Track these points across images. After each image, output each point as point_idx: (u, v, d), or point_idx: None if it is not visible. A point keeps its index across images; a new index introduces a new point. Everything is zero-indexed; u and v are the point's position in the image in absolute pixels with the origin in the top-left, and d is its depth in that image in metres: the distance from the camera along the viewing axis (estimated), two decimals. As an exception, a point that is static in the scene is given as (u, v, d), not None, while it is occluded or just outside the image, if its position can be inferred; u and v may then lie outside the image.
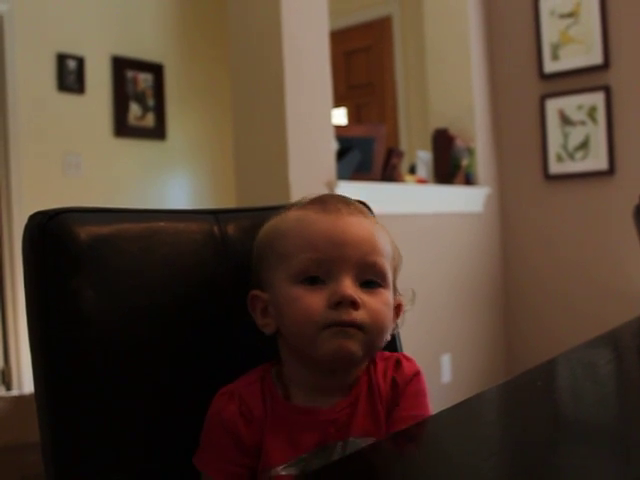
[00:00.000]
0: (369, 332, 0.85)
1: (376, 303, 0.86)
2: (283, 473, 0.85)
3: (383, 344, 0.89)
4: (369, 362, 0.92)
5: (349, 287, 0.84)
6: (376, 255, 0.87)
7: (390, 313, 0.88)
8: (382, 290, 0.88)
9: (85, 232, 0.86)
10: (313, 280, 0.85)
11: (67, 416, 0.83)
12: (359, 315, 0.84)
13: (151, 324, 0.88)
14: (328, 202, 0.89)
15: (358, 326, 0.83)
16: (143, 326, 0.87)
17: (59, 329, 0.84)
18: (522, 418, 0.83)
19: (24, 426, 2.78)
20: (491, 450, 0.73)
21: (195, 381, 0.91)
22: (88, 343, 0.84)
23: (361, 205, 0.94)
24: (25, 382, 3.93)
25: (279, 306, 0.87)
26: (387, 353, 0.95)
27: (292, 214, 0.90)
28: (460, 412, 0.84)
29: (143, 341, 0.87)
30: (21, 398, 3.09)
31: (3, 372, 3.97)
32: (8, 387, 3.93)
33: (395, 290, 0.93)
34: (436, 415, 0.85)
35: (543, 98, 3.78)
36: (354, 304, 0.83)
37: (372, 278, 0.87)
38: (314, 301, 0.84)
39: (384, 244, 0.90)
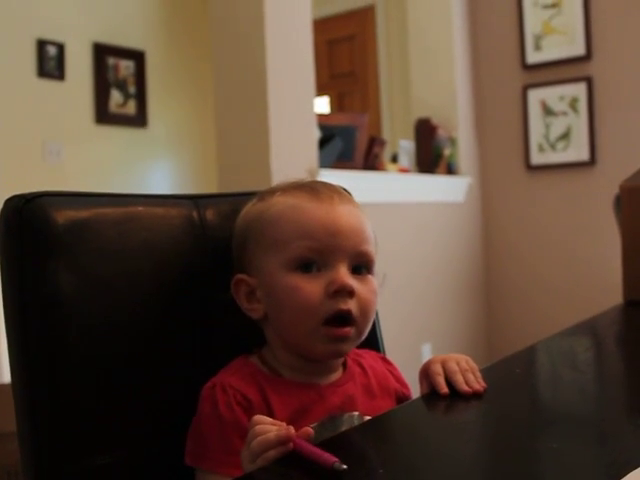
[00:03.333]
0: (359, 324, 0.87)
1: (366, 291, 0.88)
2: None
3: (367, 333, 0.91)
4: None
5: (346, 275, 0.86)
6: (367, 244, 0.89)
7: (376, 300, 0.90)
8: (370, 277, 0.90)
9: (62, 216, 0.84)
10: (308, 267, 0.86)
11: (44, 402, 0.82)
12: (353, 304, 0.86)
13: (130, 308, 0.87)
14: (320, 190, 0.90)
15: (351, 318, 0.86)
16: (122, 310, 0.87)
17: (36, 313, 0.82)
18: (501, 404, 0.84)
19: (2, 415, 2.76)
20: (470, 435, 0.73)
21: (175, 363, 0.91)
22: (66, 327, 0.83)
23: (347, 192, 0.96)
24: (4, 371, 3.91)
25: (273, 294, 0.88)
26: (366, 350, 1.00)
27: (281, 200, 0.90)
28: (440, 398, 0.84)
29: (122, 325, 0.86)
30: (0, 387, 3.06)
31: (-19, 361, 3.94)
32: (-14, 376, 3.90)
33: None
34: (416, 400, 0.86)
35: (525, 88, 3.79)
36: (351, 293, 0.85)
37: (363, 265, 0.89)
38: (312, 290, 0.85)
39: (370, 232, 0.92)
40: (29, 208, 0.84)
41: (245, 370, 0.89)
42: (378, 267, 0.98)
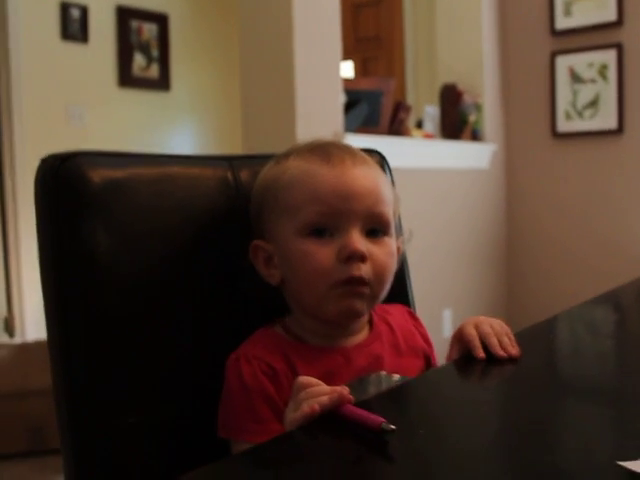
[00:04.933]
0: (374, 286, 0.86)
1: (381, 254, 0.87)
2: None
3: (386, 293, 0.91)
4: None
5: (358, 241, 0.85)
6: (381, 205, 0.88)
7: (394, 262, 0.90)
8: (386, 239, 0.89)
9: (98, 175, 0.84)
10: (320, 232, 0.85)
11: (81, 360, 0.83)
12: (366, 269, 0.85)
13: (164, 267, 0.88)
14: (332, 153, 0.88)
15: (365, 282, 0.85)
16: (157, 270, 0.87)
17: (72, 272, 0.83)
18: (523, 372, 0.83)
19: (27, 374, 2.81)
20: (492, 403, 0.73)
21: (210, 325, 0.91)
22: (102, 286, 0.83)
23: (362, 152, 0.94)
24: (28, 330, 3.96)
25: (287, 259, 0.88)
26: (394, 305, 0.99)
27: (294, 164, 0.89)
28: (474, 362, 0.84)
29: (157, 285, 0.87)
30: (24, 346, 3.11)
31: (6, 320, 3.99)
32: (11, 335, 3.96)
33: (397, 234, 0.94)
34: (449, 364, 0.86)
35: (554, 55, 3.73)
36: (363, 258, 0.84)
37: (377, 227, 0.88)
38: (324, 256, 0.84)
39: (388, 192, 0.91)
40: (65, 167, 0.84)
41: (268, 340, 0.89)
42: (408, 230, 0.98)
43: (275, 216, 0.89)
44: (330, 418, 0.64)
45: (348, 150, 0.91)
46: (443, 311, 3.49)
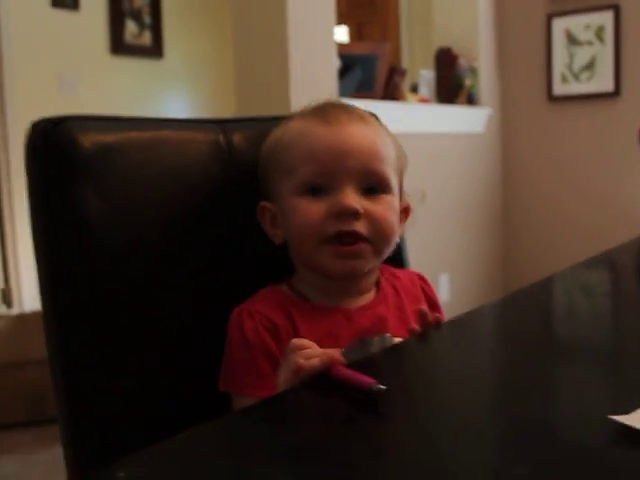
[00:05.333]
0: (375, 241, 0.86)
1: (380, 210, 0.86)
2: None
3: (392, 249, 0.91)
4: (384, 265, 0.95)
5: (350, 197, 0.84)
6: (378, 163, 0.87)
7: (395, 218, 0.89)
8: (386, 196, 0.88)
9: (89, 140, 0.84)
10: (317, 191, 0.86)
11: (74, 326, 0.83)
12: (361, 225, 0.85)
13: (157, 232, 0.87)
14: (329, 112, 0.89)
15: (359, 236, 0.84)
16: (149, 234, 0.87)
17: (64, 238, 0.83)
18: (518, 334, 0.84)
19: (26, 344, 2.82)
20: (487, 363, 0.73)
21: (204, 289, 0.91)
22: (94, 251, 0.83)
23: (362, 111, 0.93)
24: (25, 301, 3.96)
25: (286, 217, 0.88)
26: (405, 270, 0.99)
27: (294, 125, 0.90)
28: (457, 326, 0.84)
29: (150, 249, 0.87)
30: (22, 316, 3.11)
31: (3, 291, 3.99)
32: (9, 306, 3.96)
33: (402, 193, 0.93)
34: (436, 327, 0.86)
35: (550, 17, 3.69)
36: (356, 214, 0.84)
37: (375, 185, 0.87)
38: (314, 211, 0.85)
39: (387, 150, 0.90)
40: (56, 132, 0.83)
41: (272, 297, 0.89)
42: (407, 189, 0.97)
43: (277, 176, 0.89)
44: (322, 379, 0.65)
45: (345, 109, 0.91)
46: (440, 275, 3.50)
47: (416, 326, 0.82)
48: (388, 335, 0.88)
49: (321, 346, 0.80)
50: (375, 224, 0.86)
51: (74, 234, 0.83)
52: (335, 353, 0.66)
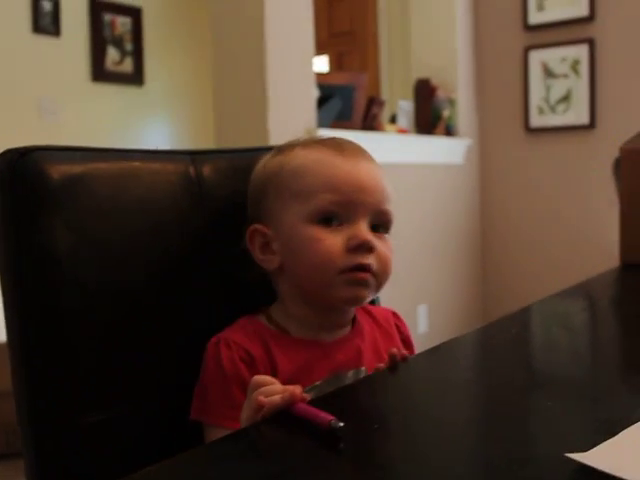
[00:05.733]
0: (379, 277, 0.88)
1: (385, 249, 0.88)
2: None
3: (381, 289, 0.92)
4: None
5: (367, 232, 0.86)
6: (388, 204, 0.90)
7: (393, 259, 0.91)
8: (387, 237, 0.91)
9: (57, 171, 0.83)
10: (329, 220, 0.86)
11: (39, 360, 0.82)
12: (372, 260, 0.86)
13: (125, 264, 0.87)
14: (344, 146, 0.90)
15: (372, 271, 0.86)
16: (117, 266, 0.86)
17: (31, 270, 0.82)
18: (495, 364, 0.84)
19: (1, 374, 2.77)
20: (464, 393, 0.73)
21: (170, 321, 0.90)
22: (61, 284, 0.82)
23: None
24: (2, 330, 3.92)
25: (292, 245, 0.88)
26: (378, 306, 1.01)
27: (302, 153, 0.90)
28: (435, 356, 0.85)
29: (118, 281, 0.86)
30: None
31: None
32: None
33: None
34: (413, 358, 0.86)
35: (527, 50, 3.75)
36: (371, 249, 0.86)
37: (382, 224, 0.90)
38: (333, 243, 0.85)
39: (391, 192, 0.92)
40: (23, 162, 0.82)
41: (250, 327, 0.89)
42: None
43: (280, 201, 0.89)
44: (285, 416, 0.64)
45: (356, 145, 0.93)
46: (418, 306, 3.51)
47: (383, 365, 0.82)
48: (363, 369, 0.89)
49: (296, 378, 0.80)
50: (381, 261, 0.87)
51: (41, 266, 0.82)
52: (296, 389, 0.66)
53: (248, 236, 0.91)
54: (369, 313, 0.99)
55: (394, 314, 1.03)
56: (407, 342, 1.00)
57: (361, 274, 0.85)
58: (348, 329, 0.93)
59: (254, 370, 0.84)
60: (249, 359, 0.85)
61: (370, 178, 0.88)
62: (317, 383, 0.86)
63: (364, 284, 0.86)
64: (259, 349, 0.86)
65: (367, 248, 0.85)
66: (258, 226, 0.90)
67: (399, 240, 1.01)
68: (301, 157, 0.90)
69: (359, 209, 0.86)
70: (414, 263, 3.44)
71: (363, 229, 0.86)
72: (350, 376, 0.88)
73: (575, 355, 0.87)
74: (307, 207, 0.86)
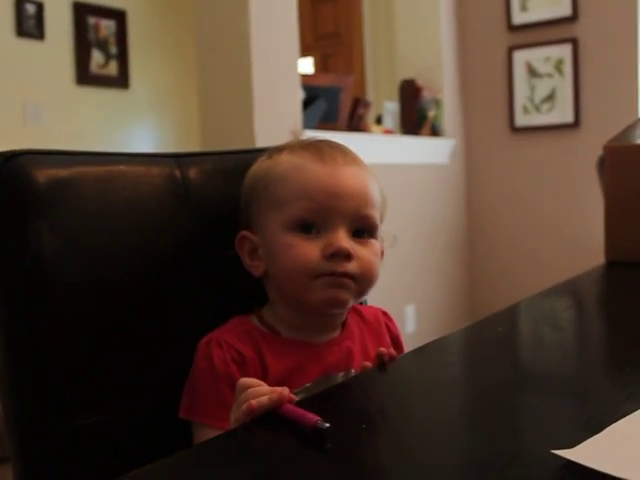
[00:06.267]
0: (360, 282, 0.88)
1: (367, 254, 0.88)
2: None
3: (368, 293, 0.92)
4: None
5: (344, 239, 0.86)
6: (369, 208, 0.89)
7: (378, 262, 0.91)
8: (372, 241, 0.90)
9: (43, 175, 0.83)
10: (307, 228, 0.86)
11: (27, 363, 0.82)
12: (351, 266, 0.86)
13: (112, 267, 0.87)
14: (325, 151, 0.90)
15: (350, 277, 0.86)
16: (104, 270, 0.86)
17: (17, 275, 0.82)
18: (483, 361, 0.84)
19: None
20: (452, 390, 0.74)
21: (157, 322, 0.90)
22: (48, 288, 0.82)
23: (353, 152, 0.95)
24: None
25: (273, 251, 0.88)
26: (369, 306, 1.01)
27: (286, 159, 0.90)
28: (422, 355, 0.85)
29: (105, 284, 0.86)
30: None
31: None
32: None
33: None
34: (400, 357, 0.86)
35: (511, 50, 3.77)
36: (348, 256, 0.85)
37: (364, 229, 0.89)
38: (309, 250, 0.85)
39: (376, 195, 0.92)
40: (9, 167, 0.83)
41: (241, 327, 0.90)
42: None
43: (264, 209, 0.89)
44: (272, 417, 0.65)
45: (340, 149, 0.92)
46: (406, 306, 3.52)
47: (370, 365, 0.83)
48: (353, 371, 0.89)
49: (287, 379, 0.81)
50: (362, 267, 0.87)
51: (27, 269, 0.82)
52: (284, 390, 0.66)
53: (237, 242, 0.92)
54: (359, 313, 0.99)
55: (384, 313, 1.03)
56: (397, 341, 1.00)
57: (339, 278, 0.86)
58: (339, 331, 0.94)
59: (245, 370, 0.85)
60: (240, 359, 0.85)
61: (349, 183, 0.87)
62: (307, 385, 0.86)
63: (343, 286, 0.86)
64: (250, 350, 0.86)
65: (343, 256, 0.85)
66: (246, 233, 0.91)
67: (385, 240, 1.01)
68: (284, 163, 0.90)
69: (335, 216, 0.86)
70: (401, 263, 3.45)
71: (339, 236, 0.85)
72: (340, 378, 0.89)
73: (561, 352, 0.88)
74: (285, 215, 0.87)
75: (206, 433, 0.82)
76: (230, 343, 0.86)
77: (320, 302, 0.87)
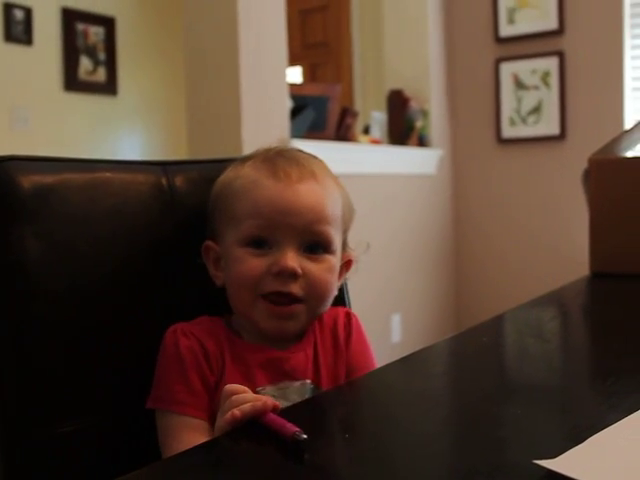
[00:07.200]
0: (309, 301, 0.88)
1: (318, 271, 0.87)
2: None
3: (326, 308, 0.92)
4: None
5: (291, 258, 0.85)
6: (322, 224, 0.88)
7: (334, 278, 0.90)
8: (327, 256, 0.89)
9: (28, 181, 0.83)
10: (259, 244, 0.87)
11: (11, 369, 0.82)
12: (296, 287, 0.86)
13: (97, 274, 0.87)
14: (279, 166, 0.89)
15: (294, 298, 0.86)
16: (89, 276, 0.86)
17: (1, 279, 0.82)
18: (467, 372, 0.85)
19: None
20: (436, 400, 0.74)
21: (141, 329, 0.90)
22: (32, 294, 0.82)
23: (316, 162, 0.93)
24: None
25: (227, 263, 0.90)
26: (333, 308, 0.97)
27: (246, 172, 0.90)
28: (406, 365, 0.85)
29: (90, 291, 0.86)
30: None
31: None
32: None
33: (345, 247, 0.94)
34: (384, 367, 0.86)
35: (498, 62, 3.80)
36: (293, 275, 0.85)
37: (317, 245, 0.88)
38: (255, 265, 0.86)
39: (333, 209, 0.90)
40: (-6, 172, 0.82)
41: (207, 325, 0.90)
42: (355, 236, 0.98)
43: (224, 221, 0.90)
44: (255, 425, 0.64)
45: (297, 163, 0.90)
46: (392, 316, 3.52)
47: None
48: (308, 382, 0.89)
49: (241, 383, 0.80)
50: (311, 285, 0.87)
51: (11, 275, 0.82)
52: (268, 399, 0.66)
53: (203, 251, 0.93)
54: (319, 319, 0.95)
55: (347, 314, 0.98)
56: (358, 342, 0.96)
57: (281, 307, 0.86)
58: (300, 338, 0.92)
59: (209, 363, 0.85)
60: (204, 352, 0.86)
61: (299, 200, 0.87)
62: (258, 389, 0.85)
63: (289, 317, 0.87)
64: (214, 346, 0.87)
65: (288, 275, 0.85)
66: (210, 243, 0.92)
67: (372, 250, 1.01)
68: (243, 177, 0.90)
69: (285, 233, 0.86)
70: (388, 273, 3.45)
71: (287, 255, 0.85)
72: (296, 387, 0.88)
73: (545, 363, 0.88)
74: (238, 231, 0.88)
75: (173, 421, 0.83)
76: (196, 335, 0.87)
77: (267, 330, 0.88)
